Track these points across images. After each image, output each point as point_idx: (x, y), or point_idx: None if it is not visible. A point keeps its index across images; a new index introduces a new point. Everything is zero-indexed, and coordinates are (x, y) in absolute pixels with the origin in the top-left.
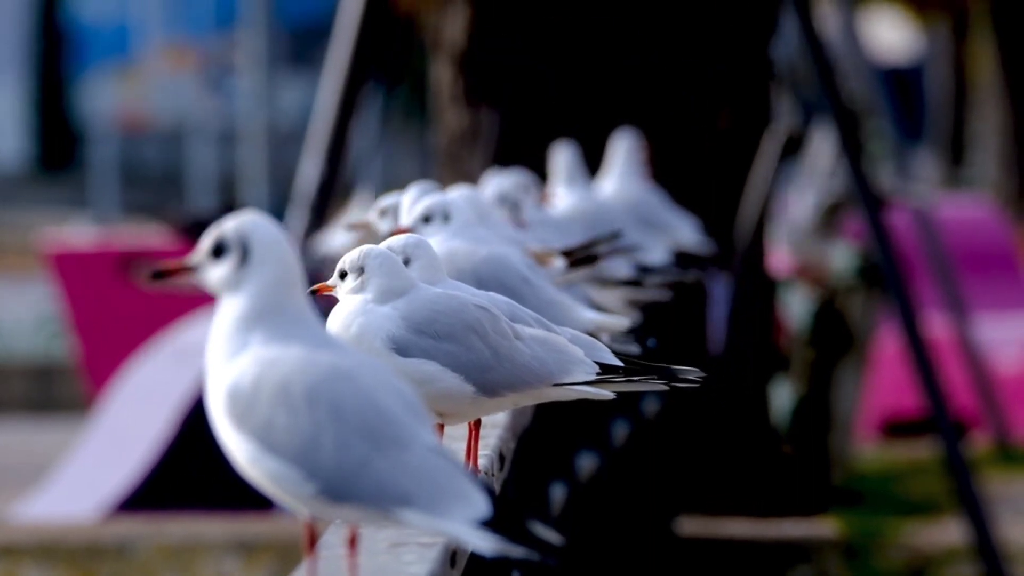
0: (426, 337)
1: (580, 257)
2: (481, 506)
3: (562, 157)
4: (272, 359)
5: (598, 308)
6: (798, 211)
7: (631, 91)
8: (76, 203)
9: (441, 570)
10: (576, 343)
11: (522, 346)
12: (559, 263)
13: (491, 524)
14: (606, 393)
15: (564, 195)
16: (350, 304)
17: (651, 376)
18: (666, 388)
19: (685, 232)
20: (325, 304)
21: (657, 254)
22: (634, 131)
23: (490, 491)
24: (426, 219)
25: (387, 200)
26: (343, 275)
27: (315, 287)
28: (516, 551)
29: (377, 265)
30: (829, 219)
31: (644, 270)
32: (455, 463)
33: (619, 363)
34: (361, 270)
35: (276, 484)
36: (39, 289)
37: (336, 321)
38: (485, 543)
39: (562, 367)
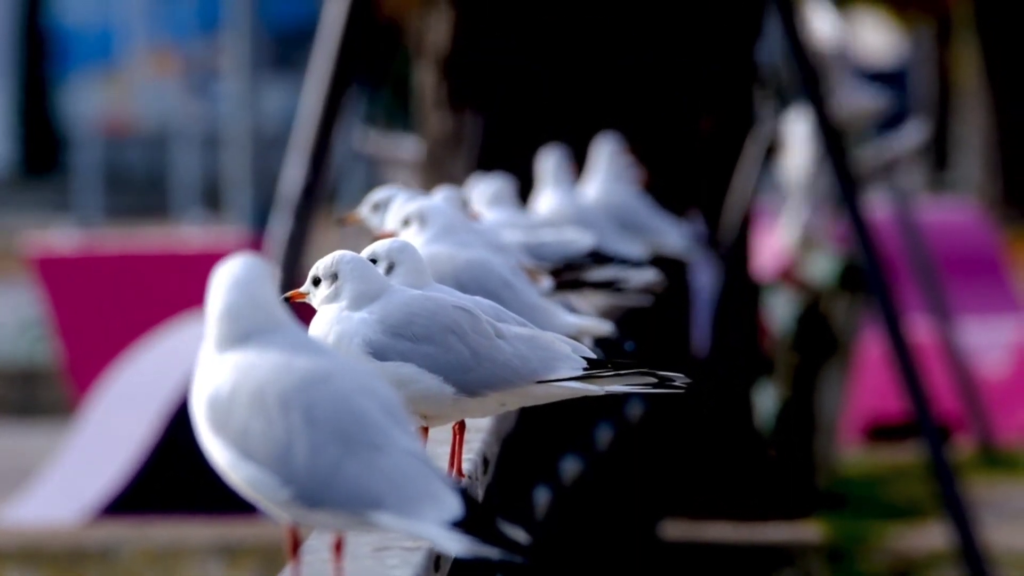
0: (403, 340)
1: (568, 279)
2: (453, 507)
3: (548, 161)
4: (249, 365)
5: (579, 312)
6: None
7: (625, 91)
8: (60, 207)
9: (424, 574)
10: None
11: (504, 344)
12: (547, 282)
13: (463, 525)
14: (593, 388)
15: (549, 198)
16: (327, 314)
17: (638, 371)
18: (653, 386)
19: (669, 236)
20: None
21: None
22: (616, 135)
23: (463, 492)
24: (406, 223)
25: (380, 195)
26: (316, 282)
27: (288, 294)
28: (487, 552)
29: (350, 270)
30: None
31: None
32: (428, 465)
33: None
34: (334, 276)
35: (254, 490)
36: (23, 293)
37: (314, 331)
38: (456, 544)
39: (546, 364)
